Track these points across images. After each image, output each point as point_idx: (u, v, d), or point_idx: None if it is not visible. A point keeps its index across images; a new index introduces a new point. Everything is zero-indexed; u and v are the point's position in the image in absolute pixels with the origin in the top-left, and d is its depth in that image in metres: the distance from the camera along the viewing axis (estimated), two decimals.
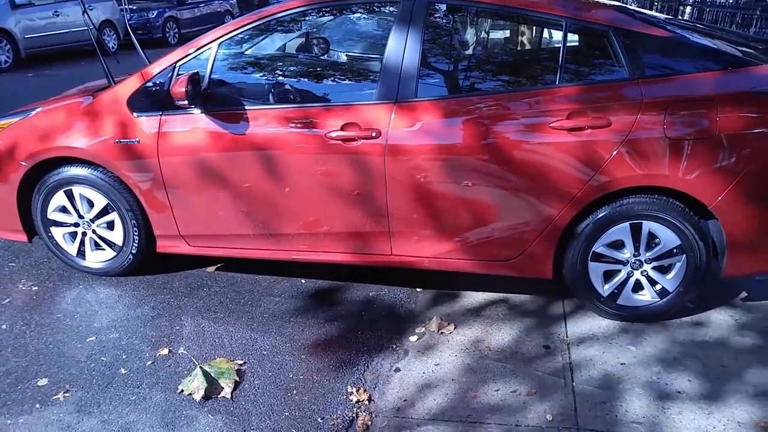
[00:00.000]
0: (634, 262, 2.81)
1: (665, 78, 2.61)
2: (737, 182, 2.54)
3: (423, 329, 2.92)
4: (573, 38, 2.87)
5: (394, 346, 2.80)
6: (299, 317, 3.03)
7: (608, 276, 2.86)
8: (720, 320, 2.96)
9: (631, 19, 2.72)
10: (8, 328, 2.92)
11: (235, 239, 3.12)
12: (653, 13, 3.14)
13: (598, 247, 2.78)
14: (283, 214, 2.97)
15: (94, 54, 3.61)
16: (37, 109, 3.24)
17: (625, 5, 3.15)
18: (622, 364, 2.64)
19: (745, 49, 2.79)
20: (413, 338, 2.85)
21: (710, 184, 2.57)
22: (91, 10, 11.52)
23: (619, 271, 2.84)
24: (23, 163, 3.13)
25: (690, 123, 2.54)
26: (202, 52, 2.95)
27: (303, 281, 3.38)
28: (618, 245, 2.79)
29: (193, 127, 2.92)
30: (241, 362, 2.67)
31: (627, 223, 2.71)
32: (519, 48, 3.85)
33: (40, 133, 3.11)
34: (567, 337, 2.85)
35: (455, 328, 2.92)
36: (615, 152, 2.56)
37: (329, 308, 3.12)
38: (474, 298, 3.20)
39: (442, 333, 2.89)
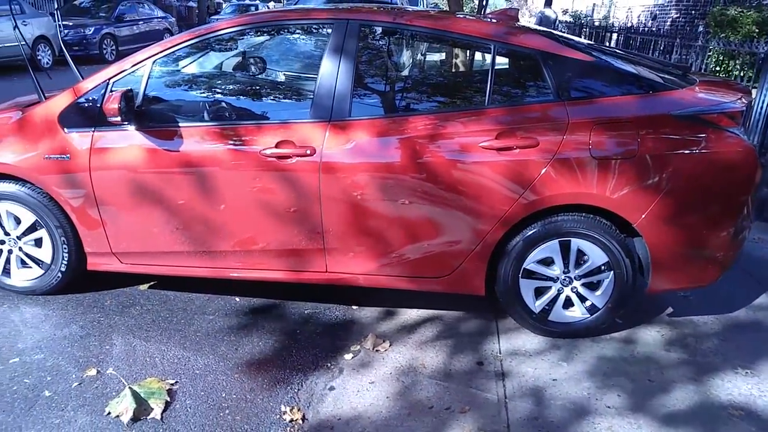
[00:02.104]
0: (564, 279, 2.87)
1: (590, 100, 2.70)
2: (659, 201, 2.64)
3: (358, 347, 2.91)
4: (503, 61, 2.95)
5: (329, 364, 2.78)
6: (233, 336, 2.98)
7: (539, 293, 2.91)
8: (647, 336, 3.05)
9: (557, 44, 2.81)
10: None
11: (168, 257, 3.06)
12: (578, 38, 3.26)
13: (529, 264, 2.83)
14: (217, 231, 2.94)
15: (26, 69, 3.52)
16: None
17: (550, 31, 3.26)
18: (554, 380, 2.68)
19: (664, 74, 2.92)
20: (348, 356, 2.84)
21: (634, 203, 2.66)
22: (25, 25, 11.18)
23: (550, 287, 2.90)
24: None
25: (614, 143, 2.63)
26: (136, 69, 2.92)
27: (238, 299, 3.33)
28: (548, 262, 2.85)
29: (127, 143, 2.87)
30: (173, 382, 2.61)
31: (556, 241, 2.78)
32: (453, 70, 3.93)
33: None
34: (500, 353, 2.88)
35: (390, 345, 2.93)
36: (543, 171, 2.64)
37: (264, 327, 3.07)
38: (409, 315, 3.21)
39: (377, 351, 2.88)
